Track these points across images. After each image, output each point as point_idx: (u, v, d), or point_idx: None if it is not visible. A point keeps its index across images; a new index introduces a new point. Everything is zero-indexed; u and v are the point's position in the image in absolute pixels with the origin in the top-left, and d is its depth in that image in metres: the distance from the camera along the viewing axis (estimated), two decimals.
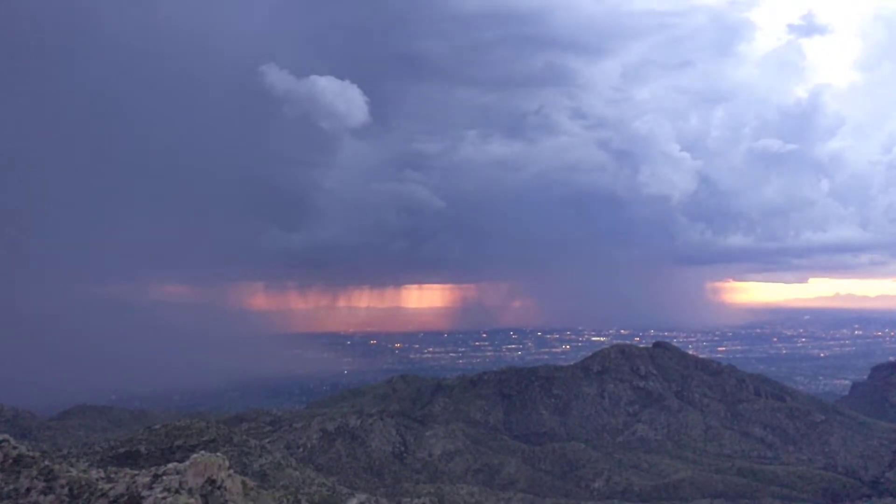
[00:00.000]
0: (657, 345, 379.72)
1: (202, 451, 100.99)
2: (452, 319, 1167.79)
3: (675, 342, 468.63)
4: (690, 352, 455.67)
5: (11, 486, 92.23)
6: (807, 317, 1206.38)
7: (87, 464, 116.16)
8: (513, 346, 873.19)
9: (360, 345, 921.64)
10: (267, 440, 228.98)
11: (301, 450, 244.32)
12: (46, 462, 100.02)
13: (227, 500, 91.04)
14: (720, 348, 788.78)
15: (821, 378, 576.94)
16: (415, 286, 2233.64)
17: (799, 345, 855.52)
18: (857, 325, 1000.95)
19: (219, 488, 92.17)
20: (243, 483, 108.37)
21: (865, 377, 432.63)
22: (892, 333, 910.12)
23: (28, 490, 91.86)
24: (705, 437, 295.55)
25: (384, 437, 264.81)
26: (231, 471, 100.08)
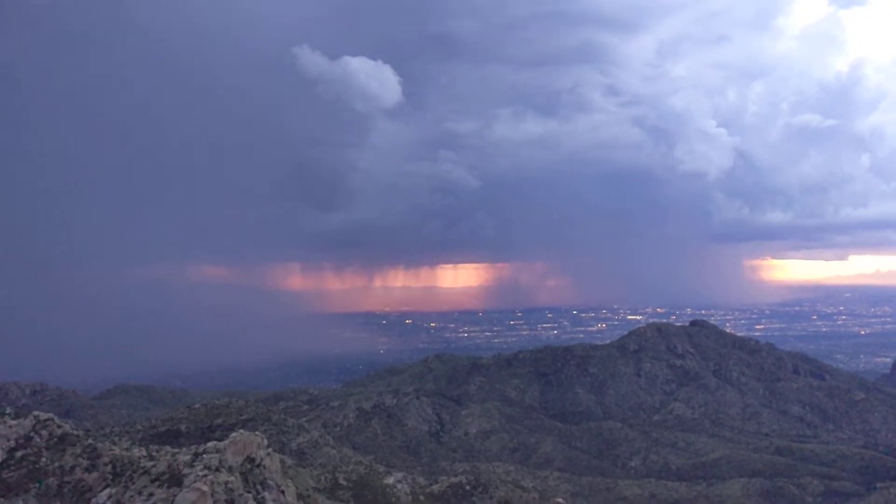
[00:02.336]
0: (694, 323, 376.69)
1: (241, 430, 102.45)
2: (488, 299, 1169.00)
3: (712, 320, 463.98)
4: (728, 330, 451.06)
5: (56, 464, 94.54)
6: (847, 294, 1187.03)
7: (129, 442, 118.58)
8: (548, 325, 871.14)
9: (396, 324, 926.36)
10: (304, 419, 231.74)
11: (338, 428, 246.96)
12: (90, 440, 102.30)
13: (265, 478, 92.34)
14: (758, 326, 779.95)
15: (861, 356, 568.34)
16: (450, 266, 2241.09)
17: (839, 322, 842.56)
18: None
19: (258, 466, 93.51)
20: (282, 461, 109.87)
21: None
22: None
23: (73, 468, 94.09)
24: (743, 416, 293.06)
25: (420, 416, 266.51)
26: (270, 449, 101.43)
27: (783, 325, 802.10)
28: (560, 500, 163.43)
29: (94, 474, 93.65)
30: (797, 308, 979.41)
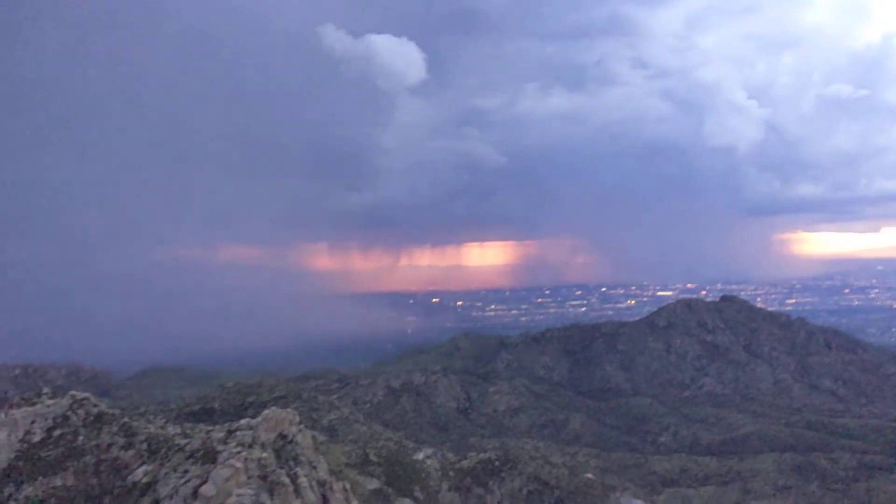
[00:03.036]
0: (724, 298, 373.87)
1: (273, 408, 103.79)
2: (515, 276, 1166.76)
3: (742, 295, 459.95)
4: (759, 305, 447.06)
5: (94, 442, 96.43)
6: (879, 267, 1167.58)
7: (163, 420, 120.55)
8: (576, 302, 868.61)
9: (423, 303, 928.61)
10: (335, 396, 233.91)
11: (368, 406, 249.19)
12: (126, 419, 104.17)
13: (298, 454, 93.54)
14: (789, 301, 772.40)
15: (894, 329, 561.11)
16: (476, 244, 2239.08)
17: (871, 296, 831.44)
18: None
19: (290, 442, 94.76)
20: (313, 438, 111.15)
21: None
22: None
23: (109, 445, 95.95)
24: (774, 391, 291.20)
25: (449, 394, 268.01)
26: (301, 426, 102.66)
27: (815, 300, 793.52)
28: (590, 475, 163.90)
29: (131, 452, 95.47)
30: (829, 282, 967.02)
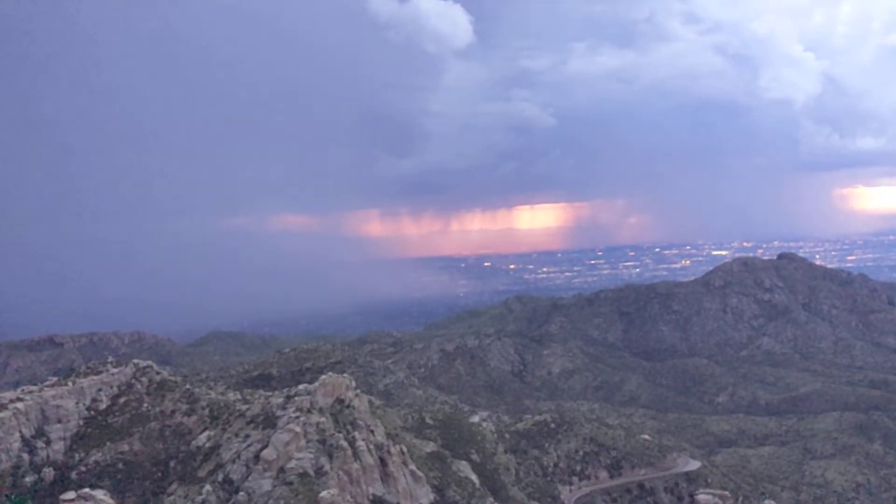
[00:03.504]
0: (782, 256, 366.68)
1: (330, 373, 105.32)
2: (566, 238, 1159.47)
3: (801, 253, 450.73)
4: (818, 262, 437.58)
5: (158, 409, 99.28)
6: None
7: (224, 386, 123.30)
8: (630, 263, 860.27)
9: (475, 267, 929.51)
10: (390, 361, 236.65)
11: (422, 370, 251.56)
12: (188, 386, 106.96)
13: (355, 419, 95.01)
14: (850, 257, 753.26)
15: None
16: (527, 207, 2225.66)
17: None
18: None
19: (347, 407, 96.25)
20: (370, 402, 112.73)
21: None
22: None
23: (172, 412, 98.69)
24: (835, 350, 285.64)
25: (502, 357, 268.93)
26: (358, 390, 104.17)
27: (877, 255, 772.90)
28: (647, 436, 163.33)
29: (193, 418, 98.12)
30: (891, 237, 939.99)
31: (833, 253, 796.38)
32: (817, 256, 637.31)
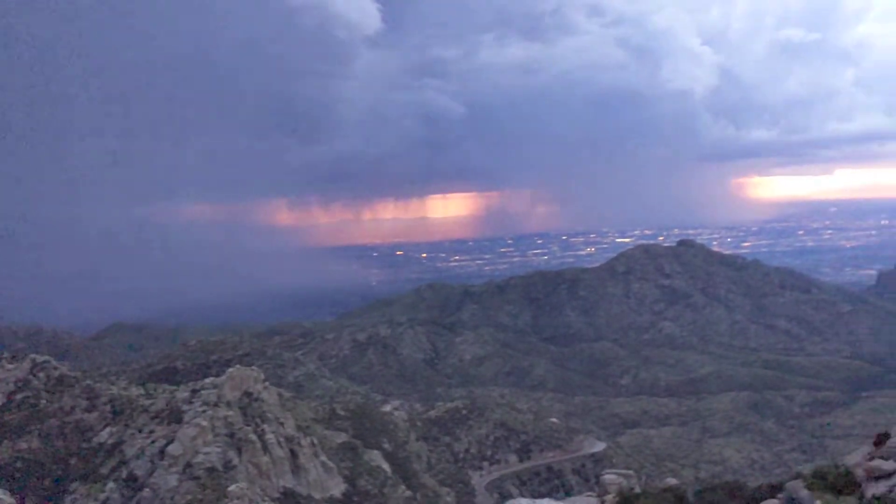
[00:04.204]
0: (682, 243, 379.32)
1: (238, 365, 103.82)
2: (478, 227, 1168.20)
3: (699, 240, 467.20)
4: (715, 249, 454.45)
5: (57, 405, 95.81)
6: (833, 209, 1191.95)
7: (126, 381, 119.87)
8: (539, 250, 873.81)
9: (387, 256, 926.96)
10: (300, 352, 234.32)
11: (334, 360, 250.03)
12: (88, 381, 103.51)
13: (264, 412, 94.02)
14: (745, 244, 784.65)
15: (847, 269, 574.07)
16: (439, 196, 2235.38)
17: (825, 237, 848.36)
18: (883, 216, 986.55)
19: (256, 400, 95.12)
20: (279, 394, 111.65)
21: (892, 267, 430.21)
22: None
23: (72, 408, 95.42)
24: (731, 332, 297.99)
25: (415, 345, 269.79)
26: (267, 383, 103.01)
27: (770, 242, 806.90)
28: (554, 419, 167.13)
29: (94, 414, 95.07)
30: (784, 224, 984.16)
31: (729, 240, 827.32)
32: (714, 243, 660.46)
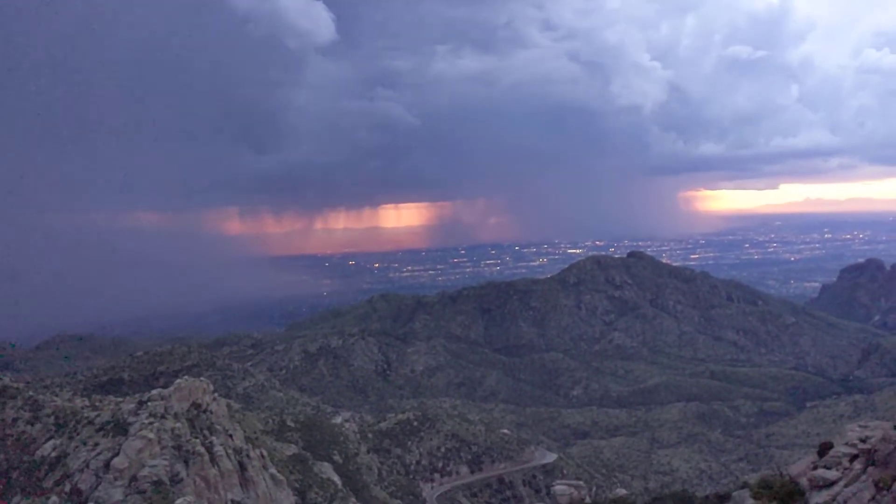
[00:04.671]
0: (631, 254, 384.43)
1: (186, 376, 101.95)
2: (431, 237, 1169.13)
3: (648, 251, 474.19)
4: (664, 260, 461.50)
5: None
6: (778, 222, 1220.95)
7: (71, 393, 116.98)
8: (491, 261, 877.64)
9: (339, 266, 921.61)
10: (249, 363, 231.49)
11: (284, 371, 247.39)
12: (31, 392, 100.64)
13: (213, 424, 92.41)
14: (693, 256, 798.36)
15: (792, 281, 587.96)
16: (391, 206, 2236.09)
17: (770, 250, 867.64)
18: (826, 229, 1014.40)
19: (204, 412, 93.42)
20: (228, 406, 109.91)
21: (835, 279, 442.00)
22: (861, 236, 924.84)
23: (14, 420, 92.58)
24: (679, 343, 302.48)
25: (366, 356, 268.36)
26: (216, 394, 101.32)
27: (717, 254, 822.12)
28: (506, 430, 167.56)
29: (37, 426, 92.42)
30: (730, 237, 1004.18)
31: (678, 252, 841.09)
32: (664, 255, 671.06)
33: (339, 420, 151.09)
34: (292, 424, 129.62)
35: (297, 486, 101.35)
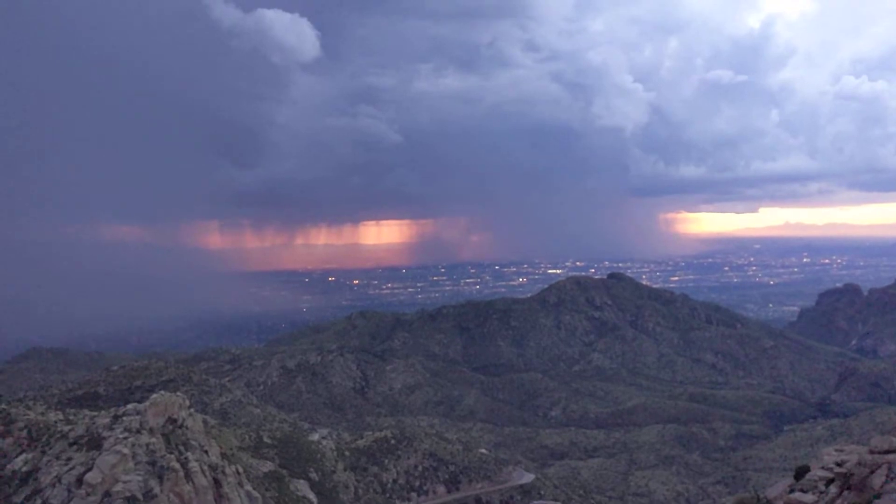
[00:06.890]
0: (612, 276, 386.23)
1: (162, 391, 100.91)
2: (411, 255, 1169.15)
3: (629, 273, 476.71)
4: (644, 282, 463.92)
5: None
6: (757, 246, 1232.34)
7: (44, 406, 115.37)
8: (471, 280, 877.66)
9: (319, 282, 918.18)
10: (227, 379, 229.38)
11: (261, 387, 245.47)
12: (3, 405, 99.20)
13: (188, 439, 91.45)
14: (673, 278, 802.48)
15: (770, 305, 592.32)
16: (372, 222, 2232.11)
17: (749, 273, 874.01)
18: (805, 253, 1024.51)
19: (180, 427, 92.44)
20: (204, 422, 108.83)
21: (813, 303, 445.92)
22: (840, 260, 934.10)
23: None
24: (659, 365, 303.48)
25: (345, 373, 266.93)
26: (192, 410, 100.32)
27: (697, 277, 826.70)
28: (483, 450, 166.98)
29: (9, 440, 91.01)
30: (710, 259, 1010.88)
31: (658, 273, 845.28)
32: (644, 276, 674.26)
33: (316, 437, 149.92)
34: (269, 441, 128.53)
35: (272, 503, 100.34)
